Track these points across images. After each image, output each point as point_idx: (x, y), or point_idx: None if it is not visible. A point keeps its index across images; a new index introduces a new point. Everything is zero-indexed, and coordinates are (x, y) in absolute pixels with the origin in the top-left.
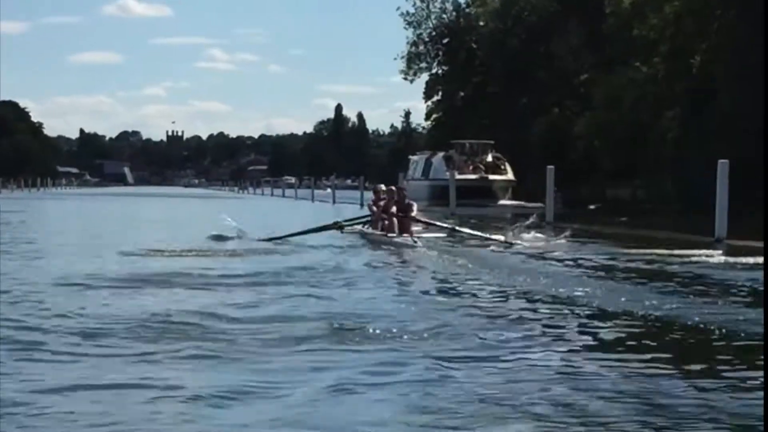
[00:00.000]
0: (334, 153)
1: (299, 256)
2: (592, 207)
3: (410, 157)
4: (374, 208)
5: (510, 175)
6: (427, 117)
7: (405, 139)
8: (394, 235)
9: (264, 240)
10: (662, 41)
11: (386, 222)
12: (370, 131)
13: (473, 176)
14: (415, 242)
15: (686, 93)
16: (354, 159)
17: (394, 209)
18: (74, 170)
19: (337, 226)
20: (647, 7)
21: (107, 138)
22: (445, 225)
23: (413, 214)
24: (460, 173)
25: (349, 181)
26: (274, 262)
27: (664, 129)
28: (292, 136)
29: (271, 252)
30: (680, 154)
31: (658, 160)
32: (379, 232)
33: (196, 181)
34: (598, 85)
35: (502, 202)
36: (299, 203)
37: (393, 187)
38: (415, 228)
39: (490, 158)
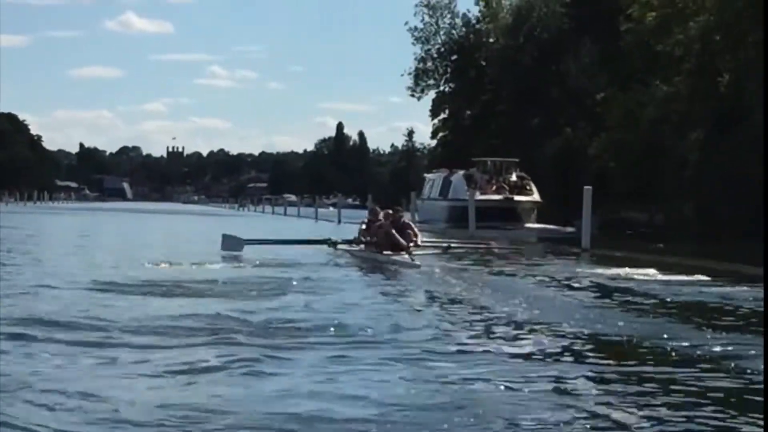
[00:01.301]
0: (334, 171)
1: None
2: (629, 232)
3: (426, 175)
4: (363, 228)
5: (536, 196)
6: (433, 135)
7: (407, 158)
8: (390, 253)
9: (250, 242)
10: (687, 58)
11: (380, 242)
12: (371, 150)
13: (497, 197)
14: (413, 260)
15: (712, 113)
16: (355, 177)
17: (393, 231)
18: (73, 184)
19: (330, 242)
20: (673, 22)
21: (107, 153)
22: (441, 244)
23: (416, 239)
24: (482, 193)
25: (350, 200)
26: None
27: (685, 150)
28: (293, 153)
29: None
30: (702, 177)
31: (677, 182)
32: (373, 251)
33: (196, 197)
34: (614, 103)
35: (527, 225)
36: (302, 222)
37: (390, 210)
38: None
39: (514, 177)
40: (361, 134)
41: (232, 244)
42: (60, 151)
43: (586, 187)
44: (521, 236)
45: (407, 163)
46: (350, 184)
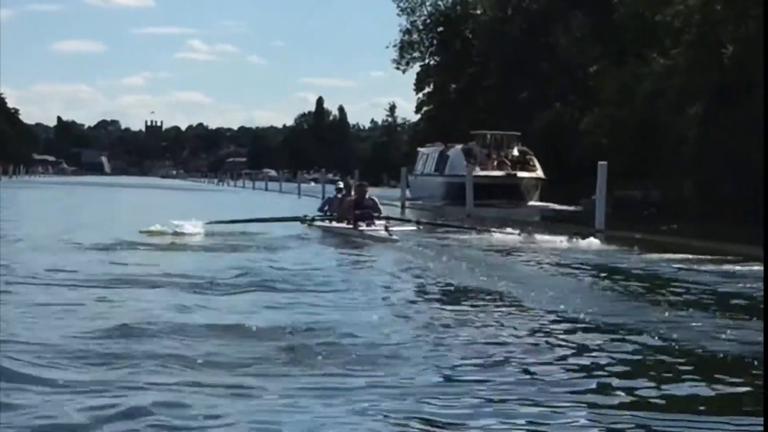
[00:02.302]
0: (314, 146)
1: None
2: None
3: (419, 149)
4: (341, 204)
5: (540, 172)
6: (418, 109)
7: (389, 133)
8: (365, 228)
9: (219, 222)
10: (687, 29)
11: (350, 217)
12: (351, 125)
13: (498, 173)
14: (390, 234)
15: (712, 86)
16: (335, 153)
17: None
18: (51, 158)
19: (307, 219)
20: None
21: (85, 127)
22: (411, 219)
23: (377, 210)
24: (482, 169)
25: (330, 175)
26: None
27: (683, 126)
28: (272, 128)
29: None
30: (702, 153)
31: (675, 159)
32: (347, 226)
33: (174, 172)
34: (607, 77)
35: (531, 203)
36: (285, 198)
37: (351, 182)
38: (380, 222)
39: (516, 152)
40: (341, 109)
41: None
42: (38, 125)
43: (600, 162)
44: (524, 215)
45: (388, 139)
46: (330, 159)
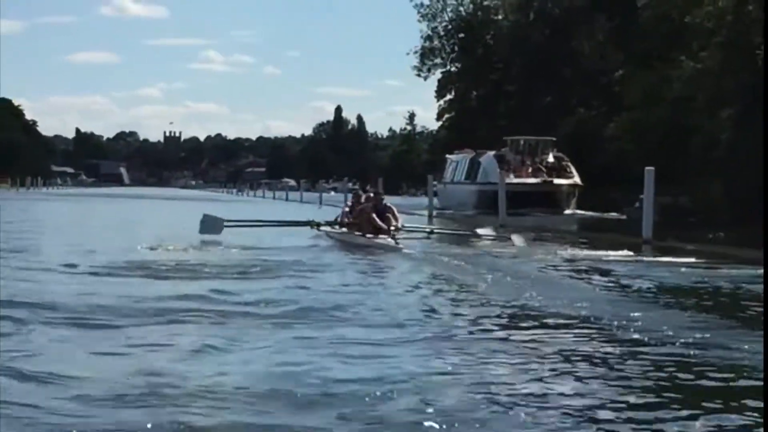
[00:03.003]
0: (333, 155)
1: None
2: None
3: (448, 156)
4: (347, 210)
5: (577, 179)
6: (439, 117)
7: (408, 142)
8: (373, 236)
9: (230, 222)
10: (718, 30)
11: (363, 225)
12: (369, 134)
13: (533, 180)
14: (397, 243)
15: (744, 89)
16: (354, 162)
17: (374, 214)
18: (70, 170)
19: (312, 224)
20: None
21: (104, 138)
22: (423, 228)
23: (394, 218)
24: (516, 176)
25: (350, 185)
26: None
27: (714, 129)
28: (290, 138)
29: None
30: (733, 157)
31: (705, 163)
32: (356, 234)
33: (193, 182)
34: (633, 82)
35: (568, 211)
36: (306, 208)
37: (371, 193)
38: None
39: (551, 158)
40: (359, 118)
41: (210, 226)
42: (57, 136)
43: (647, 168)
44: (561, 223)
45: (408, 147)
46: (349, 168)
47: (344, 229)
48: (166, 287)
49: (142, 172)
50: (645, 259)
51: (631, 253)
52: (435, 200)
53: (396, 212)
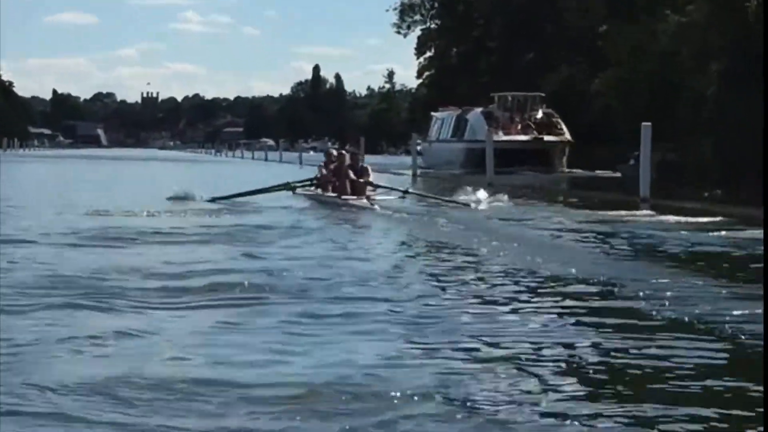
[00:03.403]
0: (312, 115)
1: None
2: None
3: (433, 114)
4: (324, 171)
5: (567, 136)
6: (419, 75)
7: (387, 100)
8: (348, 197)
9: (208, 200)
10: None
11: (337, 184)
12: (348, 93)
13: (523, 137)
14: (372, 204)
15: (732, 43)
16: (333, 121)
17: (350, 174)
18: (47, 131)
19: (289, 187)
20: None
21: (81, 99)
22: (399, 189)
23: (370, 178)
24: (505, 133)
25: (330, 144)
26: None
27: (702, 85)
28: (269, 98)
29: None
30: (722, 114)
31: (693, 120)
32: (331, 194)
33: (171, 143)
34: (619, 37)
35: (559, 169)
36: (286, 169)
37: (344, 151)
38: (368, 192)
39: (540, 114)
40: (337, 77)
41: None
42: (34, 98)
43: (644, 123)
44: (552, 182)
45: (388, 105)
46: (328, 128)
47: (319, 191)
48: (132, 255)
49: (119, 134)
50: (644, 218)
51: (629, 212)
52: (419, 159)
53: (370, 171)
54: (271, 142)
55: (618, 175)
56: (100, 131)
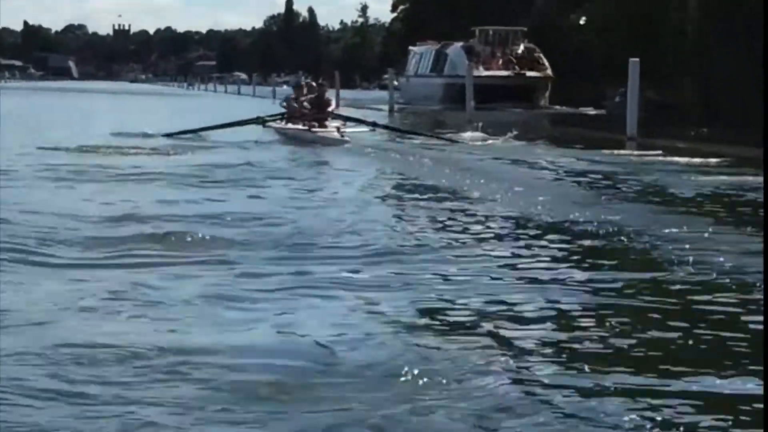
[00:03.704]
0: (284, 49)
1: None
2: None
3: (411, 48)
4: (295, 104)
5: (549, 71)
6: (393, 8)
7: (361, 34)
8: (318, 130)
9: (172, 135)
10: None
11: (306, 117)
12: (321, 27)
13: (505, 72)
14: (343, 136)
15: None
16: (305, 55)
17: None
18: (18, 63)
19: (260, 121)
20: None
21: (53, 31)
22: (366, 121)
23: (330, 108)
24: (486, 68)
25: (303, 78)
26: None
27: (683, 19)
28: (241, 31)
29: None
30: (703, 50)
31: (674, 57)
32: (302, 128)
33: (143, 76)
34: None
35: (542, 106)
36: (259, 103)
37: (314, 83)
38: (334, 123)
39: (521, 49)
40: (310, 10)
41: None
42: (4, 29)
43: (632, 59)
44: (534, 118)
45: (361, 39)
46: (300, 62)
47: (290, 124)
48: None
49: (91, 66)
50: (638, 158)
51: (616, 151)
52: (396, 95)
53: (332, 103)
54: (243, 76)
55: (602, 112)
56: (71, 63)
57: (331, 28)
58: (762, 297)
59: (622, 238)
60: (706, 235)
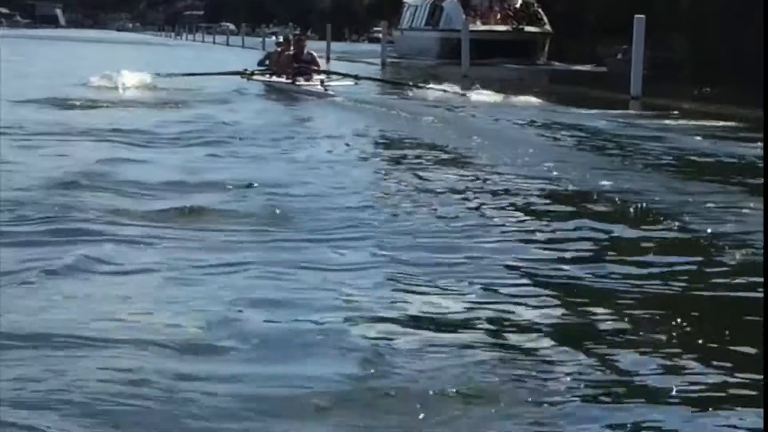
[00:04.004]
0: (273, 0)
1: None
2: None
3: (405, 0)
4: (279, 59)
5: (548, 27)
6: None
7: None
8: (303, 84)
9: (163, 76)
10: None
11: (289, 71)
12: None
13: (503, 27)
14: (326, 90)
15: None
16: (294, 5)
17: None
18: (4, 10)
19: (246, 73)
20: None
21: None
22: (349, 74)
23: (317, 67)
24: (483, 22)
25: (291, 30)
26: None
27: None
28: None
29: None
30: (699, 8)
31: (668, 14)
32: (285, 81)
33: (131, 25)
34: None
35: (540, 61)
36: (249, 54)
37: (300, 37)
38: (318, 77)
39: (519, 3)
40: None
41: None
42: None
43: (637, 15)
44: (533, 75)
45: None
46: (289, 14)
47: (275, 77)
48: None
49: (78, 14)
50: (648, 120)
51: (623, 111)
52: (388, 48)
53: (317, 58)
54: (232, 26)
55: (603, 69)
56: (58, 11)
57: None
58: None
59: (656, 214)
60: (746, 210)
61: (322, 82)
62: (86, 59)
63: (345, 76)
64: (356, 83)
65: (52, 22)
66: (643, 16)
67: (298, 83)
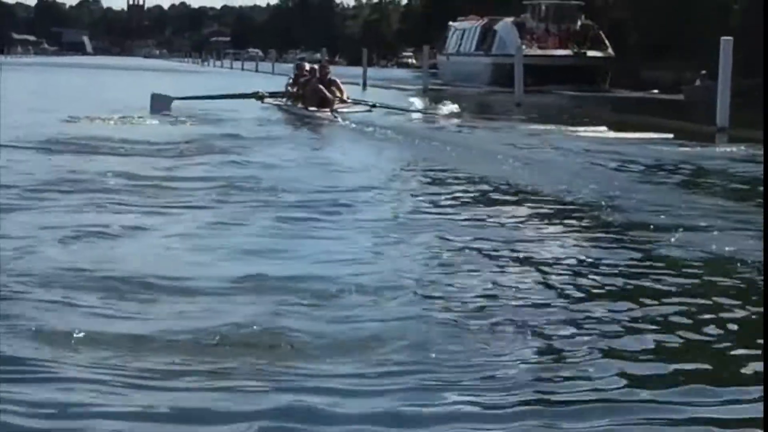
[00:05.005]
0: (300, 26)
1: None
2: None
3: (451, 24)
4: (289, 82)
5: (610, 51)
6: None
7: (380, 11)
8: (315, 109)
9: (179, 99)
10: None
11: (306, 98)
12: (336, 3)
13: (563, 52)
14: (335, 117)
15: None
16: (321, 32)
17: (321, 88)
18: (32, 38)
19: (257, 96)
20: None
21: (67, 6)
22: (367, 102)
23: (341, 95)
24: (540, 47)
25: (318, 56)
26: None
27: None
28: (257, 7)
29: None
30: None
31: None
32: (299, 106)
33: (157, 51)
34: None
35: (604, 89)
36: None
37: (315, 66)
38: (337, 105)
39: (578, 26)
40: None
41: (160, 104)
42: (18, 4)
43: (724, 37)
44: (596, 103)
45: (380, 16)
46: (317, 40)
47: (289, 102)
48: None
49: (105, 41)
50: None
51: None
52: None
53: (341, 86)
54: (259, 52)
55: (680, 97)
56: (85, 39)
57: (346, 5)
58: None
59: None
60: None
61: (332, 109)
62: (111, 89)
63: (361, 103)
64: (370, 111)
65: (79, 49)
66: (730, 38)
67: (311, 109)
